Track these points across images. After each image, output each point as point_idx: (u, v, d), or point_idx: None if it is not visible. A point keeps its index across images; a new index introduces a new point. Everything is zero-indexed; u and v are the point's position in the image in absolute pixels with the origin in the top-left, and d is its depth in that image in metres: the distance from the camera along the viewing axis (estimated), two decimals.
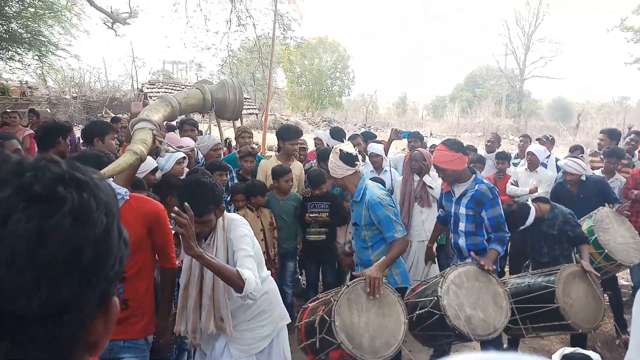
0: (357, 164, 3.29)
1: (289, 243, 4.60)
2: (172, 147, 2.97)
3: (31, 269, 0.51)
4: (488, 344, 3.17)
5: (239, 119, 5.83)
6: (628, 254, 4.10)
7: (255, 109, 18.02)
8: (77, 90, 25.26)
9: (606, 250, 4.00)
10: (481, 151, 6.66)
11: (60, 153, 3.48)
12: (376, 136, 6.74)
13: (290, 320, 2.99)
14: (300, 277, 5.49)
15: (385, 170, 5.28)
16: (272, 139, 12.44)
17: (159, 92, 16.72)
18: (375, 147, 5.33)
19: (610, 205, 4.56)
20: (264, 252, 4.12)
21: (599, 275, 3.65)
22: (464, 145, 3.72)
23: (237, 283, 2.26)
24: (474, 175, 3.51)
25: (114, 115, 18.36)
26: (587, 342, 3.73)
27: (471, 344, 3.98)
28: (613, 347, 4.44)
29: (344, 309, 2.85)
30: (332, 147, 3.52)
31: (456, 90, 47.88)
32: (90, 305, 0.57)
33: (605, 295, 4.32)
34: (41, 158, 0.58)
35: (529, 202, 3.96)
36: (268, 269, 2.97)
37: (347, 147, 3.32)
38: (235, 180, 4.71)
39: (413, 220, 4.84)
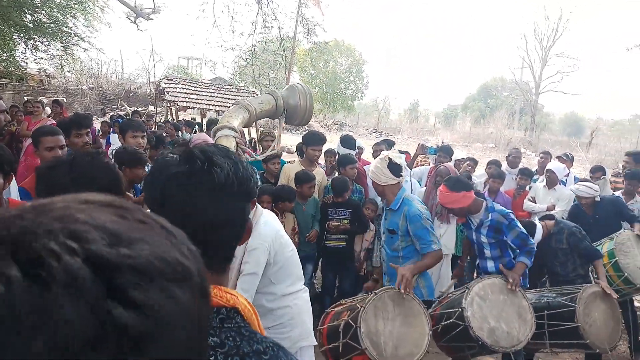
0: (402, 175, 3.35)
1: (309, 247, 4.66)
2: (253, 154, 2.94)
3: None
4: (509, 355, 3.23)
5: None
6: None
7: None
8: (93, 81, 25.49)
9: (626, 274, 4.03)
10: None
11: (74, 146, 3.44)
12: (394, 143, 6.80)
13: (317, 343, 2.90)
14: (315, 281, 5.55)
15: (406, 181, 5.33)
16: (284, 140, 12.52)
17: (175, 87, 16.78)
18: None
19: (630, 225, 4.59)
20: None
21: (617, 296, 3.72)
22: (467, 181, 3.77)
23: None
24: (484, 203, 3.56)
25: (129, 108, 18.54)
26: None
27: (493, 356, 4.04)
28: None
29: (370, 315, 2.91)
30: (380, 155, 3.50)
31: (468, 100, 47.78)
32: None
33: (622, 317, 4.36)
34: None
35: (535, 221, 4.03)
36: None
37: (396, 156, 3.36)
38: (259, 183, 4.78)
39: None
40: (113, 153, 3.50)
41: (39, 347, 0.30)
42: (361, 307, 2.93)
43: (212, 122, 5.87)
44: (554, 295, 3.64)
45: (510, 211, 3.63)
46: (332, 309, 3.32)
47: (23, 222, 0.35)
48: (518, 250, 3.51)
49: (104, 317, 0.32)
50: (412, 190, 5.23)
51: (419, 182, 5.53)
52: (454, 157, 6.21)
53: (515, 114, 37.56)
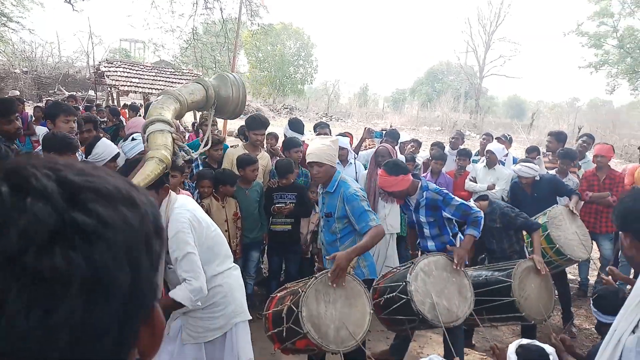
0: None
1: (254, 233, 4.60)
2: (192, 151, 2.74)
3: None
4: (449, 330, 3.31)
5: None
6: (577, 249, 4.35)
7: None
8: (27, 64, 24.04)
9: (557, 245, 4.22)
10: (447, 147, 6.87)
11: (7, 133, 3.34)
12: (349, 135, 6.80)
13: (251, 318, 3.03)
14: (262, 266, 5.50)
15: (350, 163, 5.34)
16: (231, 124, 12.28)
17: (116, 71, 16.11)
18: (341, 140, 5.37)
19: (569, 199, 4.80)
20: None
21: (549, 269, 3.90)
22: (404, 164, 3.86)
23: (177, 308, 2.41)
24: (419, 183, 3.67)
25: (67, 92, 17.63)
26: (538, 333, 3.93)
27: (434, 331, 4.13)
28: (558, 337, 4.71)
29: (312, 299, 2.89)
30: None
31: (416, 84, 48.63)
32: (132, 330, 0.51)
33: (554, 289, 4.59)
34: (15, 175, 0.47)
35: (470, 202, 4.16)
36: None
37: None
38: (201, 168, 4.65)
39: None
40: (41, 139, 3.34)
41: (13, 235, 0.41)
42: (302, 291, 2.91)
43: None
44: (491, 272, 3.77)
45: (443, 188, 3.74)
46: (276, 294, 3.29)
47: (18, 161, 0.49)
48: (463, 229, 3.60)
49: (66, 216, 0.44)
50: (356, 173, 5.25)
51: (365, 165, 5.55)
52: (400, 141, 6.29)
53: (461, 97, 38.59)
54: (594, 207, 5.51)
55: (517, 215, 4.06)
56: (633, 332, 1.51)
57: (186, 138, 7.57)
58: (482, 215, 3.57)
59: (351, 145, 5.78)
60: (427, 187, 3.66)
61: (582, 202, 5.26)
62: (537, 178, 5.02)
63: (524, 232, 4.28)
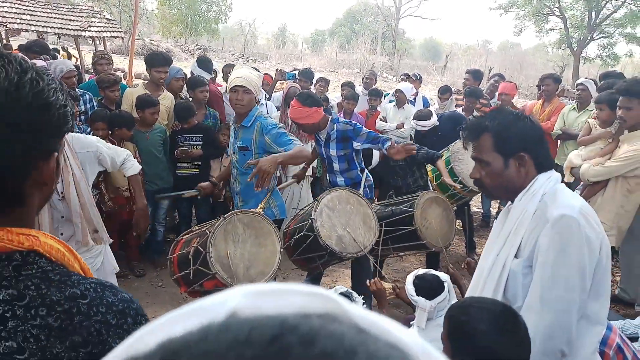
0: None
1: (163, 180, 4.40)
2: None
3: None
4: (357, 262, 3.43)
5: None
6: None
7: (120, 31, 16.32)
8: None
9: (460, 178, 4.45)
10: (359, 88, 6.89)
11: None
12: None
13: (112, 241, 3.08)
14: (175, 214, 5.34)
15: (262, 104, 5.21)
16: (139, 66, 11.54)
17: (3, 6, 14.33)
18: None
19: None
20: (126, 189, 3.93)
21: (453, 202, 4.13)
22: (318, 96, 3.88)
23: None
24: (330, 117, 3.71)
25: None
26: (441, 263, 4.20)
27: (344, 264, 4.27)
28: (462, 266, 5.08)
29: (220, 240, 2.85)
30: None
31: (335, 25, 48.04)
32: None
33: (459, 220, 4.88)
34: None
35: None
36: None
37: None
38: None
39: None
40: None
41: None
42: (210, 232, 2.86)
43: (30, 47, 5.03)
44: (397, 206, 3.91)
45: (352, 121, 3.84)
46: (182, 237, 3.22)
47: None
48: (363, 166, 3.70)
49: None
50: (268, 113, 5.14)
51: (277, 107, 5.44)
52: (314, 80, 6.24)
53: (378, 39, 38.74)
54: None
55: (418, 150, 4.21)
56: (516, 256, 1.62)
57: (86, 80, 6.99)
58: (389, 138, 3.70)
59: (267, 86, 5.64)
60: (338, 119, 3.73)
61: None
62: (436, 123, 5.13)
63: (429, 168, 4.47)
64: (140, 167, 3.10)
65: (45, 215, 2.43)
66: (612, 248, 3.93)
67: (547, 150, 1.72)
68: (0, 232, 0.71)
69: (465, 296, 1.83)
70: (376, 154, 4.37)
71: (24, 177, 0.75)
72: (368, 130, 3.68)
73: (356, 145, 3.66)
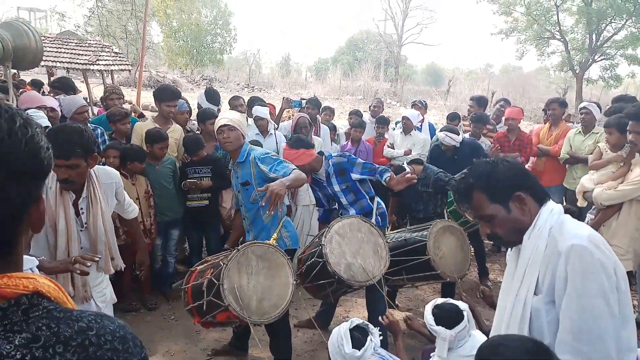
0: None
1: (173, 211, 4.41)
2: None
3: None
4: (370, 292, 3.39)
5: (110, 76, 5.35)
6: None
7: (128, 64, 16.60)
8: None
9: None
10: (366, 115, 6.97)
11: None
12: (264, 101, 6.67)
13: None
14: (186, 246, 5.33)
15: (271, 134, 5.25)
16: (146, 98, 11.67)
17: None
18: (260, 111, 5.25)
19: None
20: (140, 222, 3.98)
21: (465, 229, 4.09)
22: (308, 139, 4.04)
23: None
24: (323, 157, 3.80)
25: None
26: (455, 290, 4.13)
27: (356, 294, 4.21)
28: (476, 293, 5.00)
29: (233, 272, 2.84)
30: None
31: (338, 53, 48.70)
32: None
33: (471, 247, 4.84)
34: None
35: (405, 165, 4.25)
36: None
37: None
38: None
39: None
40: None
41: None
42: (224, 264, 2.85)
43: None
44: (410, 233, 3.88)
45: (346, 152, 3.93)
46: (196, 267, 3.21)
47: None
48: (372, 194, 3.70)
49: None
50: (277, 143, 5.18)
51: (286, 136, 5.48)
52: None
53: (381, 66, 39.19)
54: None
55: (450, 179, 4.23)
56: (535, 293, 1.60)
57: (95, 113, 7.09)
58: (387, 169, 3.72)
59: (272, 116, 5.69)
60: (331, 155, 3.82)
61: None
62: (458, 145, 5.17)
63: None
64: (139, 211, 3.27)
65: (74, 245, 2.51)
66: (629, 272, 3.88)
67: (535, 180, 1.74)
68: (5, 278, 0.74)
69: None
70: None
71: (20, 222, 0.78)
72: (363, 161, 3.76)
73: (354, 176, 3.72)
